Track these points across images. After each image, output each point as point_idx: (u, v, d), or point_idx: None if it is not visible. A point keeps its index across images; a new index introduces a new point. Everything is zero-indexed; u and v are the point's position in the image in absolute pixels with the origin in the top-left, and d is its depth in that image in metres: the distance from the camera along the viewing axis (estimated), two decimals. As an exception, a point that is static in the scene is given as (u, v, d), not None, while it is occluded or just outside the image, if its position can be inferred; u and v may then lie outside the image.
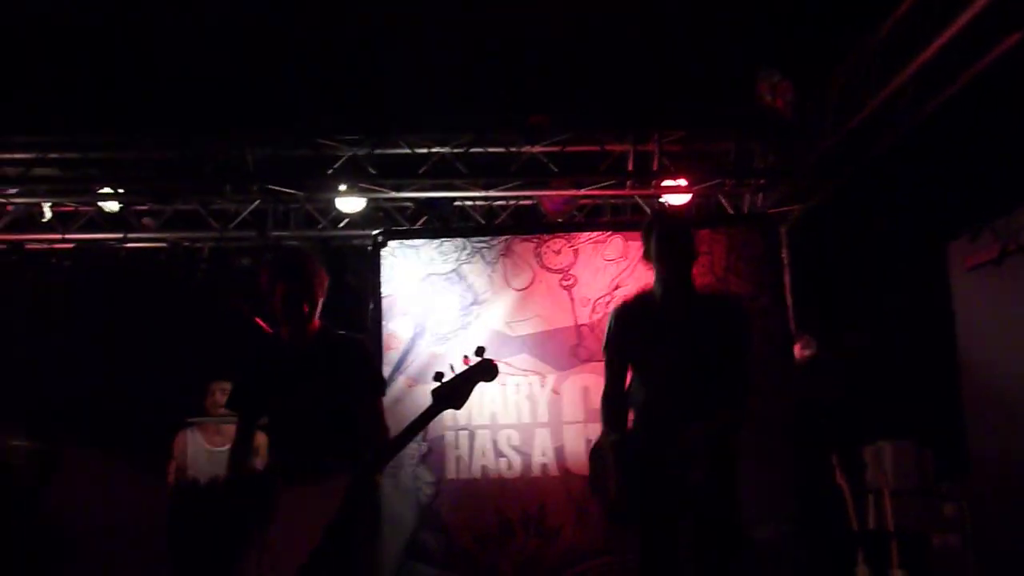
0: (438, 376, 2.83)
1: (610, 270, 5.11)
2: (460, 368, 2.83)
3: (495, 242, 5.18)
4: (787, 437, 4.54)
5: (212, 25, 4.87)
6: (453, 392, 2.81)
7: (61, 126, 5.30)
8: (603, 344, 3.31)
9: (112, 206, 5.90)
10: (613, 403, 3.29)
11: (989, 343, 5.60)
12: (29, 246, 6.25)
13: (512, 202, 6.10)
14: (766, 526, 4.51)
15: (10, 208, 5.89)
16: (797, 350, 5.16)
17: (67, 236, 6.13)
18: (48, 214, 5.74)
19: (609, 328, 3.28)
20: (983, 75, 4.10)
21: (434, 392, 2.82)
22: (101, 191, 5.79)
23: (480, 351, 2.85)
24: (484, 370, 2.84)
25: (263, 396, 3.04)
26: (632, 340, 3.22)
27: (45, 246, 6.28)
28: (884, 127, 4.93)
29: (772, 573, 4.53)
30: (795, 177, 5.56)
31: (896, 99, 4.68)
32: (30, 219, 6.01)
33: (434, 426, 4.69)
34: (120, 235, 6.19)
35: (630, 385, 3.28)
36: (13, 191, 5.64)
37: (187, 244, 6.37)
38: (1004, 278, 5.41)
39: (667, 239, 3.11)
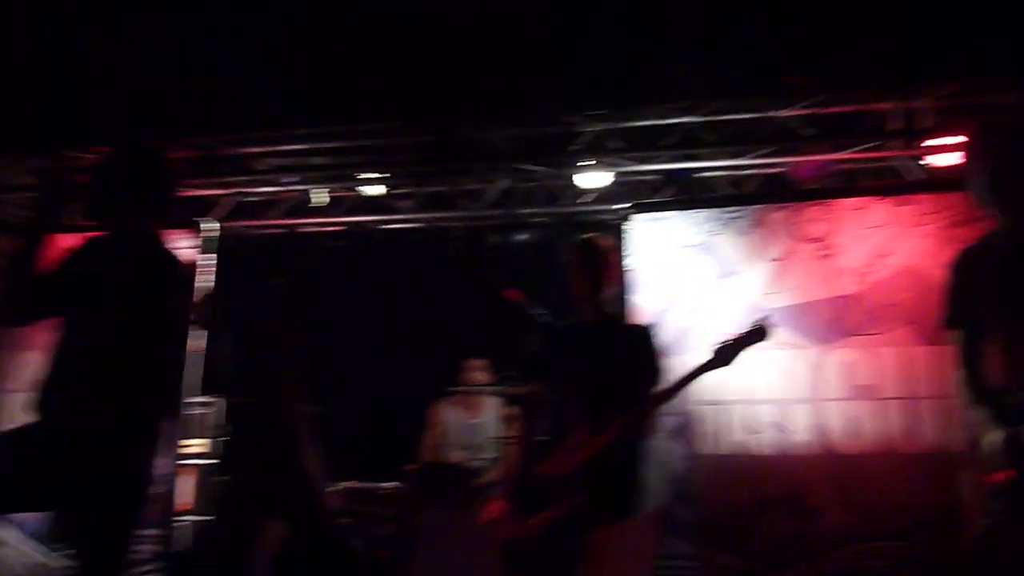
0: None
1: (874, 238, 4.78)
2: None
3: (747, 212, 5.02)
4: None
5: (457, 11, 5.07)
6: (725, 351, 2.98)
7: (328, 118, 5.73)
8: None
9: (375, 190, 6.33)
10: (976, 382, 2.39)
11: None
12: (301, 229, 6.85)
13: (762, 170, 5.85)
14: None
15: (288, 195, 6.47)
16: None
17: (335, 219, 6.65)
18: (322, 199, 6.24)
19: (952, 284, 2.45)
20: None
21: (712, 349, 3.00)
22: (364, 176, 6.22)
23: (759, 321, 3.02)
24: (757, 332, 2.99)
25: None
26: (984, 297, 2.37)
27: (315, 229, 6.86)
28: None
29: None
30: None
31: None
32: (300, 205, 6.56)
33: (689, 399, 4.65)
34: (381, 217, 6.63)
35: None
36: (294, 179, 6.19)
37: (441, 224, 6.71)
38: None
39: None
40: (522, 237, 6.48)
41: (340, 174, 6.21)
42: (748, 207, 5.05)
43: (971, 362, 2.39)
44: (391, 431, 5.41)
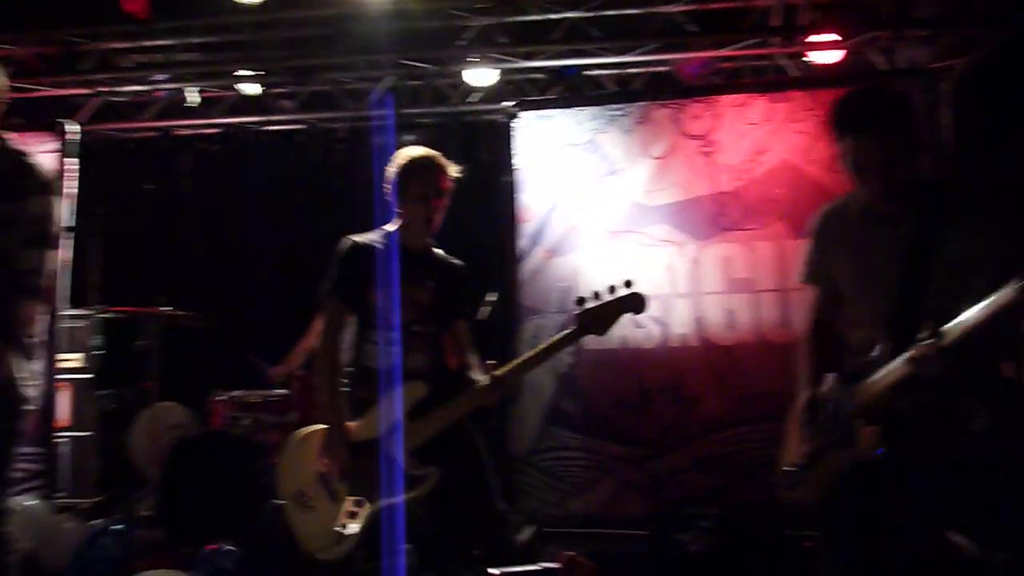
0: (580, 301, 2.83)
1: (753, 135, 4.87)
2: (606, 296, 2.81)
3: (631, 109, 5.02)
4: None
5: None
6: (597, 319, 2.81)
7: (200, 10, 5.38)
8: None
9: (252, 89, 6.03)
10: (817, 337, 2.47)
11: None
12: (177, 132, 6.51)
13: (648, 67, 5.84)
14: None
15: (159, 95, 6.10)
16: None
17: (212, 121, 6.34)
18: (194, 99, 5.91)
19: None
20: None
21: (577, 316, 2.83)
22: (240, 73, 5.90)
23: (628, 283, 2.81)
24: (632, 302, 2.81)
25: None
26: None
27: (192, 131, 6.53)
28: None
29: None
30: (962, 27, 5.05)
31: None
32: (175, 106, 6.21)
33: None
34: (261, 118, 6.35)
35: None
36: (162, 78, 5.83)
37: (324, 125, 6.48)
38: None
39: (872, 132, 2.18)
40: (410, 138, 6.33)
41: (213, 71, 5.88)
42: (633, 104, 5.05)
43: (823, 319, 2.46)
44: (278, 339, 5.32)
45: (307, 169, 6.46)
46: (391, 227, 3.01)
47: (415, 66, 5.74)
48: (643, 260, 4.85)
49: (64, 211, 2.53)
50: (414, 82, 6.09)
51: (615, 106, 5.05)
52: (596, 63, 5.68)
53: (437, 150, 3.04)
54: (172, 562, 4.08)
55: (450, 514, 2.92)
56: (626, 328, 4.81)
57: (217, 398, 4.95)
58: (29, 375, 2.46)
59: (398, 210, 2.98)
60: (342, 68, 5.87)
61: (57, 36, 5.46)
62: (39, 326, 2.50)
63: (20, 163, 2.45)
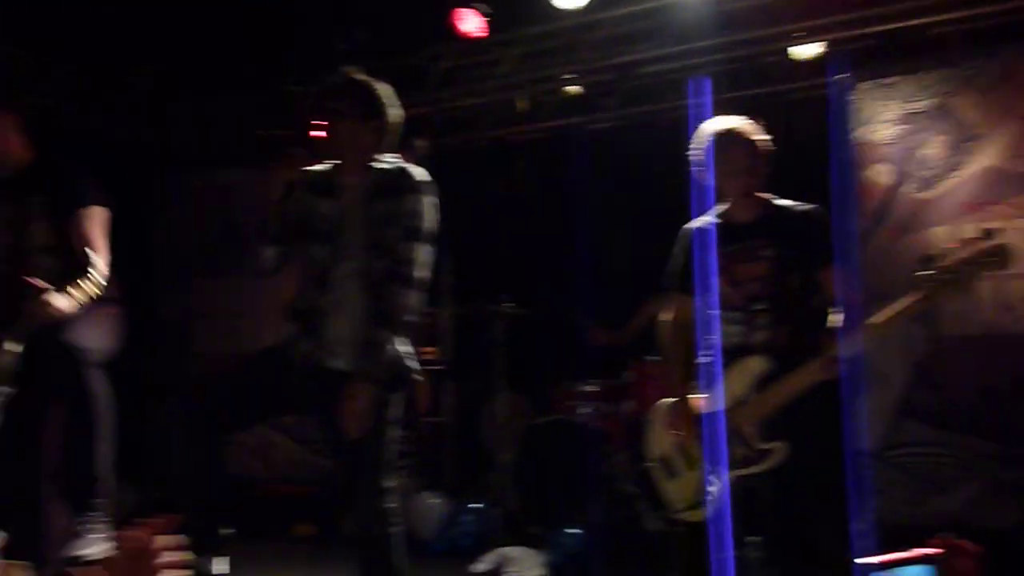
0: (926, 260, 2.55)
1: None
2: (960, 251, 2.51)
3: (991, 65, 4.48)
4: None
5: None
6: (949, 278, 2.51)
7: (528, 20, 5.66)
8: None
9: (575, 90, 6.24)
10: None
11: None
12: (509, 137, 6.92)
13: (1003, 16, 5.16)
14: None
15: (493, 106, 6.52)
16: None
17: (539, 125, 6.66)
18: (523, 105, 6.25)
19: None
20: None
21: (923, 278, 2.55)
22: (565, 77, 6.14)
23: (988, 233, 2.50)
24: (993, 255, 2.49)
25: None
26: None
27: (522, 137, 6.91)
28: None
29: None
30: None
31: None
32: (507, 113, 6.58)
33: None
34: (585, 118, 6.55)
35: None
36: (493, 88, 6.23)
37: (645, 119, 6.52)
38: None
39: None
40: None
41: (540, 76, 6.17)
42: (994, 58, 4.48)
43: None
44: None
45: (631, 162, 6.54)
46: (718, 206, 3.00)
47: (736, 50, 5.58)
48: (1008, 235, 4.29)
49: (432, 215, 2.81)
50: (734, 65, 5.93)
51: (970, 63, 4.53)
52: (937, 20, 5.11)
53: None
54: (524, 541, 4.37)
55: (794, 497, 2.85)
56: (991, 311, 4.31)
57: (559, 388, 5.20)
58: (411, 353, 2.79)
59: (717, 186, 2.95)
60: (662, 60, 5.87)
61: (404, 61, 6.06)
62: (415, 313, 2.80)
63: (400, 169, 2.79)
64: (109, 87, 6.05)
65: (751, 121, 2.96)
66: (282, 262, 2.86)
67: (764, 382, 2.82)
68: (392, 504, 2.73)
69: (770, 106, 5.97)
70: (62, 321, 3.02)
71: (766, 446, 2.78)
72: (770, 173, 2.96)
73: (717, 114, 2.98)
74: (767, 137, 2.93)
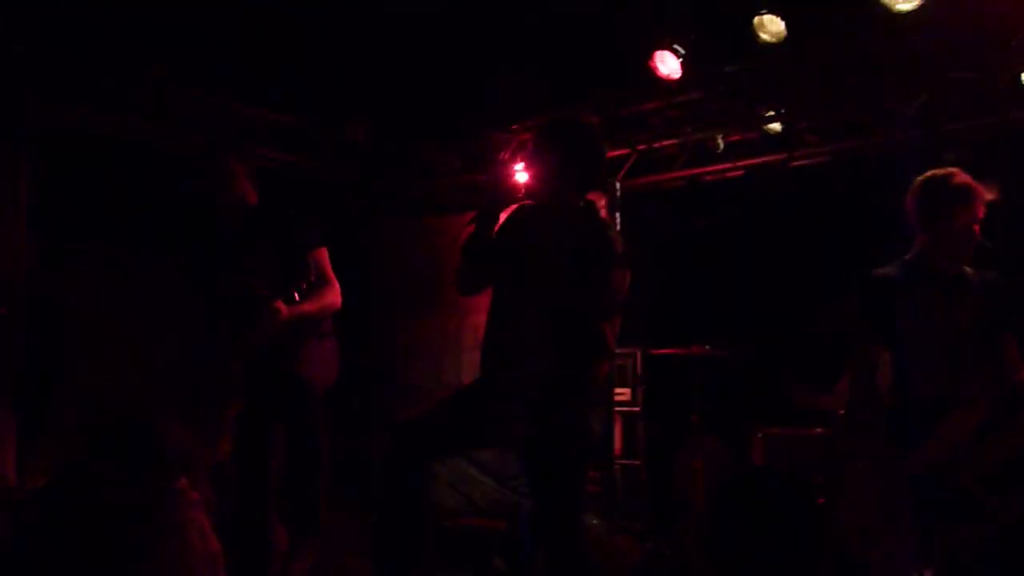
0: None
1: None
2: None
3: None
4: None
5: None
6: None
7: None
8: None
9: (775, 126, 6.05)
10: None
11: None
12: (706, 178, 6.80)
13: None
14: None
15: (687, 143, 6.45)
16: None
17: (736, 164, 6.50)
18: (719, 144, 6.13)
19: None
20: None
21: None
22: (767, 115, 5.97)
23: None
24: None
25: None
26: None
27: (718, 176, 6.77)
28: None
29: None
30: None
31: None
32: (701, 152, 6.49)
33: None
34: (784, 155, 6.33)
35: None
36: (690, 128, 6.17)
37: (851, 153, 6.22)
38: None
39: None
40: (949, 156, 5.74)
41: (739, 115, 6.05)
42: None
43: None
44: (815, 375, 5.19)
45: (836, 200, 6.26)
46: (916, 252, 2.93)
47: (955, 77, 5.22)
48: None
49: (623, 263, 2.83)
50: (953, 95, 5.53)
51: None
52: None
53: (982, 164, 2.91)
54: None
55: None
56: None
57: (756, 434, 4.99)
58: (598, 412, 2.85)
59: (926, 233, 2.90)
60: (871, 91, 5.59)
61: (602, 106, 6.13)
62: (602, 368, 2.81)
63: (610, 235, 2.84)
64: (328, 138, 6.55)
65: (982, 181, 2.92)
66: (482, 285, 2.96)
67: (982, 434, 2.67)
68: (584, 545, 2.73)
69: (991, 138, 5.56)
70: (290, 352, 3.25)
71: (994, 500, 2.56)
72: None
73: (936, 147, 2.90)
74: (992, 195, 2.86)
